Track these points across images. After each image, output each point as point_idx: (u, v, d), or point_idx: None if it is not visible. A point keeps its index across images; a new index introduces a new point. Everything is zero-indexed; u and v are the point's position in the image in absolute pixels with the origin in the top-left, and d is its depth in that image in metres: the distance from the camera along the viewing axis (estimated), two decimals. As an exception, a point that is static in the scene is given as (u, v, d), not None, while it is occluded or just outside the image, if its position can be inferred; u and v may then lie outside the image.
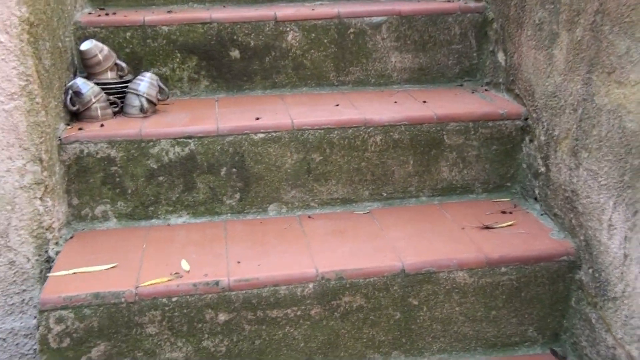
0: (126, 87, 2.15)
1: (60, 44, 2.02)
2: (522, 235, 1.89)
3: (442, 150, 2.14)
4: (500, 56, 2.31)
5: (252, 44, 2.38)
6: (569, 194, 1.84)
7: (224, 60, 2.38)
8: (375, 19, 2.42)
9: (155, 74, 2.33)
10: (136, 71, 2.32)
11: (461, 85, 2.50)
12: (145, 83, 2.12)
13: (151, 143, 1.98)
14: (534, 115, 2.06)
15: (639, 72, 1.48)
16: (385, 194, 2.15)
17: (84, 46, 2.11)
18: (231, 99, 2.36)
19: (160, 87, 2.14)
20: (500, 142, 2.16)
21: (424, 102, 2.25)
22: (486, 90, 2.41)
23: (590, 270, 1.73)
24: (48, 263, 1.83)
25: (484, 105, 2.19)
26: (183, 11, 2.49)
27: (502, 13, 2.28)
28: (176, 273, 1.71)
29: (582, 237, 1.77)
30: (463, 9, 2.45)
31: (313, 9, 2.42)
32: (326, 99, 2.32)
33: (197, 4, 2.69)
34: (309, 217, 2.07)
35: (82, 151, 1.95)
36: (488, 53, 2.43)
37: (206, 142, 2.01)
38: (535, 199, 2.07)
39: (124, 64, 2.18)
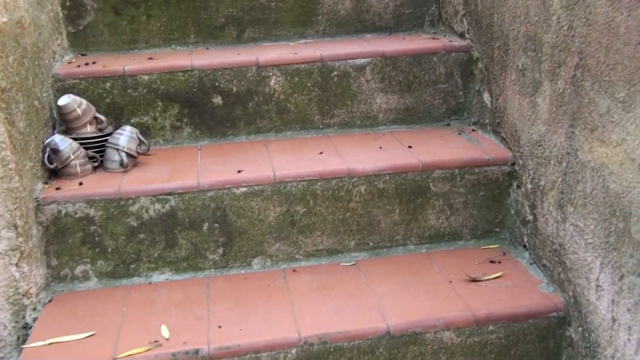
0: (106, 140, 2.12)
1: (36, 102, 1.99)
2: (510, 289, 1.85)
3: (429, 198, 2.10)
4: (486, 97, 2.28)
5: (235, 89, 2.35)
6: (556, 247, 1.80)
7: (207, 107, 2.35)
8: (359, 61, 2.39)
9: (137, 123, 2.30)
10: (117, 121, 2.29)
11: (448, 124, 2.47)
12: (125, 137, 2.09)
13: (131, 201, 1.95)
14: (520, 161, 2.02)
15: (620, 132, 1.44)
16: (371, 244, 2.11)
17: (62, 101, 2.08)
18: (214, 146, 2.33)
19: (140, 140, 2.11)
20: (487, 188, 2.12)
21: (410, 147, 2.21)
22: (473, 130, 2.37)
23: (580, 329, 1.69)
24: (25, 330, 1.79)
25: (470, 150, 2.15)
26: (165, 55, 2.47)
27: (486, 53, 2.25)
28: (155, 341, 1.67)
29: (571, 293, 1.73)
30: (447, 48, 2.42)
31: (296, 53, 2.39)
32: (310, 145, 2.28)
33: (180, 46, 2.66)
34: (294, 270, 2.03)
35: (60, 212, 1.92)
36: (474, 92, 2.40)
37: (187, 198, 1.97)
38: (524, 246, 2.03)
39: (103, 117, 2.15)
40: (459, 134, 2.34)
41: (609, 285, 1.52)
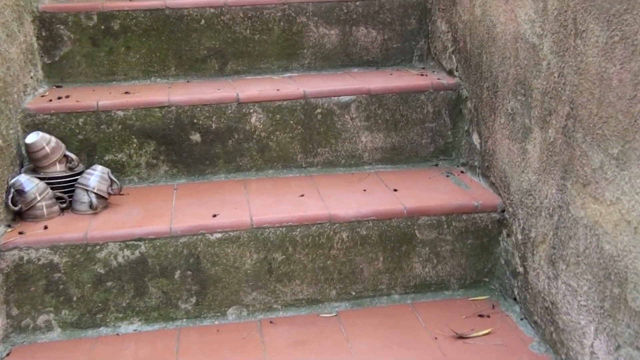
0: (76, 180, 2.01)
1: (1, 141, 1.88)
2: (499, 347, 1.74)
3: (414, 246, 2.00)
4: (475, 138, 2.19)
5: (214, 126, 2.26)
6: (548, 305, 1.70)
7: (184, 145, 2.25)
8: (344, 99, 2.30)
9: (111, 160, 2.20)
10: (90, 158, 2.19)
11: (436, 165, 2.37)
12: (96, 177, 1.98)
13: (98, 247, 1.84)
14: (510, 209, 1.92)
15: (615, 191, 1.35)
16: (354, 293, 2.00)
17: (30, 139, 1.98)
18: (192, 185, 2.23)
19: (111, 180, 2.01)
20: (475, 236, 2.02)
21: (395, 190, 2.11)
22: (462, 172, 2.28)
23: (571, 395, 1.58)
24: (-20, 387, 1.67)
25: (458, 195, 2.06)
26: (144, 88, 2.38)
27: (475, 93, 2.17)
28: (116, 405, 1.55)
29: (564, 357, 1.62)
30: (436, 86, 2.33)
31: (278, 89, 2.30)
32: (292, 186, 2.18)
33: (160, 79, 2.57)
34: (271, 322, 1.92)
35: (22, 258, 1.81)
36: (463, 132, 2.31)
37: (158, 244, 1.87)
38: (515, 299, 1.92)
39: (73, 156, 2.05)
40: (447, 176, 2.25)
41: (604, 354, 1.42)
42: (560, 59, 1.57)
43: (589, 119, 1.45)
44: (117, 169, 2.22)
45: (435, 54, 2.58)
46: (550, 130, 1.64)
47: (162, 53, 2.55)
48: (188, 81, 2.56)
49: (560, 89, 1.58)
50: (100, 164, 2.18)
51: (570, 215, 1.56)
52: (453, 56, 2.38)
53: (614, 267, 1.38)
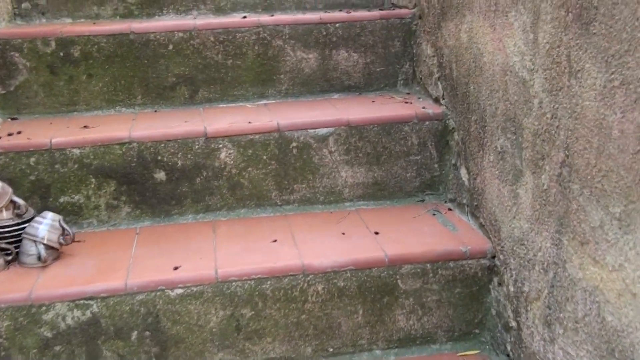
0: (24, 229, 1.83)
1: (-64, 191, 1.70)
2: (489, 416, 1.56)
3: (397, 297, 1.82)
4: (463, 173, 2.01)
5: (180, 164, 2.08)
6: (543, 369, 1.52)
7: (148, 184, 2.07)
8: (321, 131, 2.13)
9: (67, 202, 2.02)
10: (43, 201, 2.01)
11: (422, 200, 2.19)
12: (45, 226, 1.80)
13: (44, 308, 1.66)
14: (502, 256, 1.74)
15: (617, 256, 1.17)
16: (331, 350, 1.82)
17: (-28, 185, 1.79)
18: (156, 229, 2.05)
19: (63, 229, 1.82)
20: (464, 284, 1.84)
21: (376, 233, 1.94)
22: (449, 209, 2.10)
23: None
24: None
25: (444, 239, 1.88)
26: (106, 119, 2.21)
27: (462, 125, 1.99)
28: None
29: None
30: (420, 116, 2.16)
31: (250, 122, 2.12)
32: (264, 229, 2.00)
33: (125, 108, 2.39)
34: (239, 384, 1.73)
35: (-42, 322, 1.62)
36: (451, 165, 2.13)
37: (112, 302, 1.69)
38: (508, 355, 1.74)
39: (21, 202, 1.86)
40: (434, 214, 2.07)
41: None
42: (554, 99, 1.39)
43: (586, 169, 1.27)
44: (74, 212, 2.04)
45: (421, 78, 2.41)
46: (543, 177, 1.46)
47: (127, 81, 2.37)
48: (156, 110, 2.38)
49: (553, 132, 1.40)
50: (55, 207, 2.01)
51: (567, 274, 1.38)
52: (439, 83, 2.21)
53: (618, 343, 1.20)
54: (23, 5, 2.61)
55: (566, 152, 1.35)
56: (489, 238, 1.83)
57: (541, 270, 1.50)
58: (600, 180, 1.22)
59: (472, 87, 1.90)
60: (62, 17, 2.64)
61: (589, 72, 1.23)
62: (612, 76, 1.15)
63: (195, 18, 2.64)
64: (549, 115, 1.42)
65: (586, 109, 1.25)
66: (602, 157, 1.21)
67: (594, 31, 1.20)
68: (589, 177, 1.26)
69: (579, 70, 1.27)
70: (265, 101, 2.45)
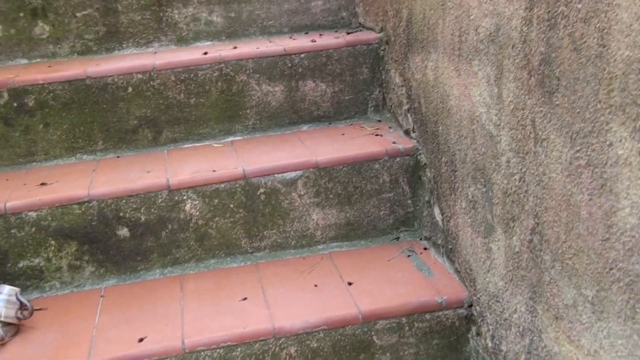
0: (-19, 303, 1.75)
1: None
2: None
3: (373, 353, 1.76)
4: (437, 213, 1.95)
5: (143, 219, 2.00)
6: None
7: (111, 241, 1.99)
8: (289, 175, 2.05)
9: (27, 267, 1.95)
10: (1, 266, 1.93)
11: (397, 238, 2.13)
12: (1, 302, 1.72)
13: (3, 394, 1.58)
14: (478, 308, 1.68)
15: (593, 341, 1.11)
16: (307, 411, 1.76)
17: None
18: (121, 288, 1.97)
19: (21, 303, 1.75)
20: (441, 335, 1.78)
21: (350, 283, 1.87)
22: (425, 249, 2.04)
23: None
24: None
25: (420, 288, 1.81)
26: (66, 170, 2.13)
27: (433, 164, 1.92)
28: None
29: None
30: (391, 152, 2.08)
31: (214, 170, 2.04)
32: (234, 283, 1.93)
33: (86, 155, 2.31)
34: None
35: None
36: (424, 202, 2.06)
37: (75, 383, 1.61)
38: (489, 408, 1.69)
39: (-24, 276, 1.78)
40: (409, 255, 2.00)
41: None
42: (521, 161, 1.32)
43: (557, 243, 1.20)
44: (35, 276, 1.96)
45: (391, 106, 2.33)
46: (514, 238, 1.40)
47: (86, 127, 2.28)
48: (118, 156, 2.30)
49: (522, 196, 1.33)
50: (15, 272, 1.93)
51: (543, 344, 1.32)
52: (409, 115, 2.13)
53: None
54: (-25, 48, 2.50)
55: (536, 219, 1.28)
56: (465, 285, 1.76)
57: (517, 334, 1.44)
58: (571, 258, 1.16)
59: (440, 128, 1.83)
60: (17, 59, 2.54)
61: (554, 144, 1.16)
62: (578, 154, 1.08)
63: (156, 51, 2.55)
64: (517, 177, 1.35)
65: (554, 180, 1.19)
66: (572, 235, 1.14)
67: (557, 102, 1.13)
68: (560, 251, 1.20)
69: (544, 139, 1.20)
70: (232, 138, 2.37)
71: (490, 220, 1.52)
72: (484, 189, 1.55)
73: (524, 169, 1.31)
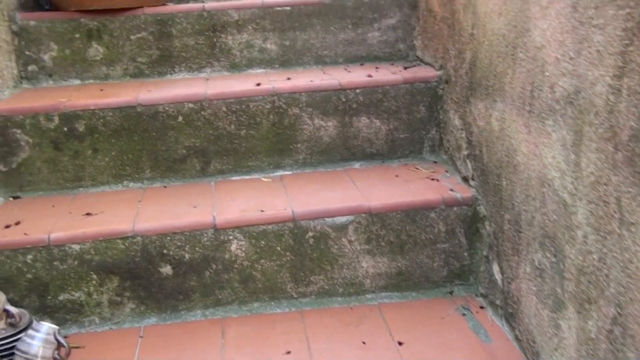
0: (19, 339, 1.70)
1: None
2: None
3: (421, 421, 1.64)
4: (496, 270, 1.83)
5: (187, 257, 1.93)
6: None
7: (153, 279, 1.93)
8: (339, 220, 1.96)
9: (67, 300, 1.90)
10: (42, 299, 1.89)
11: (451, 292, 2.02)
12: (38, 341, 1.67)
13: None
14: (539, 384, 1.56)
15: None
16: None
17: (-38, 297, 1.67)
18: (161, 328, 1.91)
19: (58, 343, 1.69)
20: (496, 407, 1.66)
21: (400, 343, 1.77)
22: (481, 307, 1.92)
23: None
24: None
25: (477, 356, 1.69)
26: (112, 198, 2.08)
27: (494, 219, 1.80)
28: None
29: None
30: (448, 201, 1.97)
31: (262, 210, 1.97)
32: (278, 331, 1.85)
33: (133, 183, 2.27)
34: None
35: None
36: (482, 256, 1.94)
37: None
38: None
39: (14, 310, 1.74)
40: (464, 314, 1.89)
41: None
42: (601, 241, 1.20)
43: (643, 342, 1.08)
44: (75, 310, 1.91)
45: (449, 148, 2.22)
46: (590, 323, 1.27)
47: (134, 154, 2.24)
48: (165, 186, 2.25)
49: (602, 279, 1.21)
50: (54, 305, 1.89)
51: None
52: (468, 161, 2.02)
53: None
54: (29, 68, 2.49)
55: (618, 309, 1.16)
56: (527, 357, 1.64)
57: None
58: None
59: (504, 182, 1.71)
60: (70, 79, 2.52)
61: (647, 233, 1.04)
62: (677, 251, 0.96)
63: (208, 77, 2.51)
64: (595, 257, 1.23)
65: (642, 272, 1.06)
66: (663, 337, 1.02)
67: (653, 188, 1.01)
68: (646, 351, 1.07)
69: (632, 224, 1.08)
70: (281, 172, 2.30)
71: (561, 295, 1.40)
72: (554, 260, 1.42)
73: (604, 250, 1.19)
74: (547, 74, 1.40)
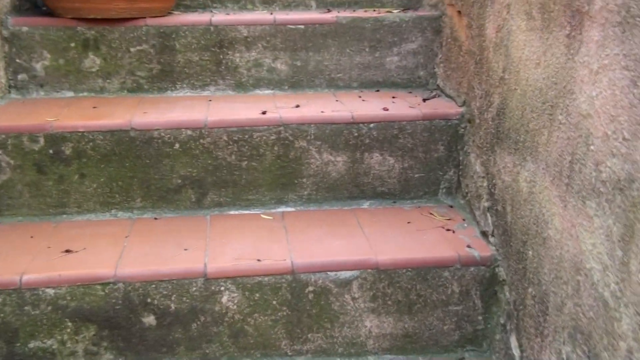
0: (-20, 397, 1.53)
1: None
2: None
3: None
4: (514, 345, 1.64)
5: (174, 307, 1.75)
6: None
7: (134, 329, 1.75)
8: (343, 274, 1.77)
9: (38, 348, 1.73)
10: (10, 346, 1.72)
11: (462, 358, 1.82)
12: (1, 403, 1.49)
13: None
14: None
15: None
16: None
17: None
18: (140, 385, 1.73)
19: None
20: None
21: (401, 422, 1.57)
22: (494, 381, 1.73)
23: None
24: None
25: None
26: (99, 228, 1.90)
27: (515, 287, 1.61)
28: None
29: None
30: (464, 260, 1.78)
31: (258, 259, 1.78)
32: (267, 399, 1.66)
33: (121, 212, 2.09)
34: None
35: None
36: (498, 323, 1.75)
37: None
38: None
39: (-22, 365, 1.56)
40: (474, 388, 1.70)
41: None
42: (651, 366, 1.00)
43: None
44: (47, 359, 1.73)
45: (467, 193, 2.03)
46: None
47: (125, 182, 2.06)
48: (156, 217, 2.06)
49: (648, 409, 1.01)
50: (24, 353, 1.73)
51: None
52: (489, 215, 1.83)
53: None
54: (19, 77, 2.32)
55: None
56: None
57: None
58: None
59: (530, 253, 1.52)
60: (63, 90, 2.34)
61: None
62: None
63: (211, 97, 2.33)
64: (642, 381, 1.03)
65: None
66: None
67: None
68: None
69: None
70: (283, 208, 2.11)
71: (591, 404, 1.21)
72: (587, 347, 1.23)
73: (655, 377, 1.00)
74: (593, 148, 1.20)
